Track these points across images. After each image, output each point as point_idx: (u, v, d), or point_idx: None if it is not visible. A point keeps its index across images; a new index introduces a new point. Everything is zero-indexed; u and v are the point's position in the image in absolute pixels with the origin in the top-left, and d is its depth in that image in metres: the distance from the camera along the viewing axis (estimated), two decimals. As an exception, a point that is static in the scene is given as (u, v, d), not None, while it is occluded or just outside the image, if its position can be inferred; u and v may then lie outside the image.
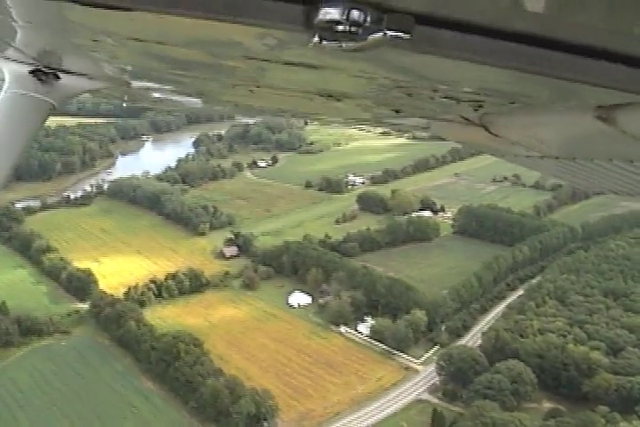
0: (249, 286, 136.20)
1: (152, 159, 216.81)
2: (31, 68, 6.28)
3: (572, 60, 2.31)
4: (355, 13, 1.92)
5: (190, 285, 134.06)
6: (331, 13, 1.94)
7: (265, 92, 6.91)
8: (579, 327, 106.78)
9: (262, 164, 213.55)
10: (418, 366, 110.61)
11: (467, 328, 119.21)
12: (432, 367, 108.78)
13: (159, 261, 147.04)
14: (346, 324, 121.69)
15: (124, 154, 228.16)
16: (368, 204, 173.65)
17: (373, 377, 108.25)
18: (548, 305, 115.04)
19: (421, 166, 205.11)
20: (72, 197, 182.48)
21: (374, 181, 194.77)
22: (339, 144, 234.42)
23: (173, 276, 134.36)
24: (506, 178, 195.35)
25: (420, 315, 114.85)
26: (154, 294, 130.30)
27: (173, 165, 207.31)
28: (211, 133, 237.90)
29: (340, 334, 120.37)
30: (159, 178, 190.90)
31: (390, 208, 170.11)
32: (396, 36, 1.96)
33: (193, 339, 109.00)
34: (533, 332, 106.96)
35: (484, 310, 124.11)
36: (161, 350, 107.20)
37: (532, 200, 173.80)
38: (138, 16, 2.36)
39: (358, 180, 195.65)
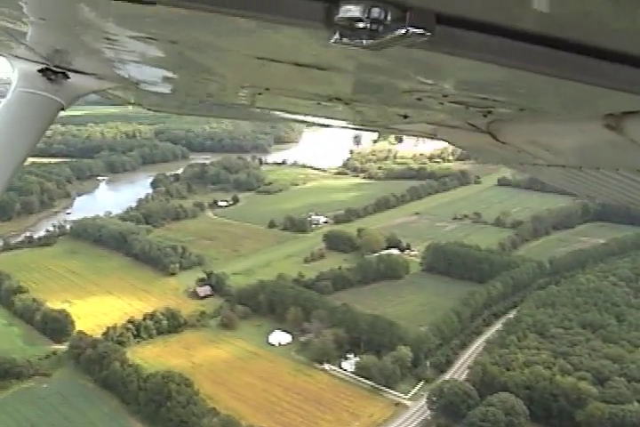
0: (227, 325, 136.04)
1: (110, 199, 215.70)
2: (41, 66, 6.35)
3: (587, 62, 2.33)
4: (375, 11, 1.92)
5: (168, 325, 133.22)
6: (352, 10, 1.93)
7: (273, 95, 7.09)
8: (563, 359, 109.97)
9: (223, 204, 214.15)
10: (407, 402, 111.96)
11: (449, 363, 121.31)
12: (421, 402, 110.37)
13: (132, 302, 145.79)
14: (329, 361, 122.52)
15: (81, 194, 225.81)
16: (335, 242, 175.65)
17: (365, 413, 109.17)
18: (530, 339, 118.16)
19: (382, 205, 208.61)
20: (35, 237, 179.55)
21: (337, 220, 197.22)
22: (296, 184, 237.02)
23: (151, 316, 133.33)
24: (466, 216, 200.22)
25: (405, 351, 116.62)
26: (132, 334, 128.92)
27: (133, 205, 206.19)
28: (168, 173, 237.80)
29: (325, 371, 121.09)
30: (122, 218, 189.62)
31: (358, 247, 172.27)
32: (418, 34, 1.97)
33: (183, 379, 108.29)
34: (519, 365, 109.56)
35: (464, 345, 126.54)
36: (150, 391, 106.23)
37: (494, 237, 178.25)
38: (157, 10, 2.39)
39: (322, 219, 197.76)
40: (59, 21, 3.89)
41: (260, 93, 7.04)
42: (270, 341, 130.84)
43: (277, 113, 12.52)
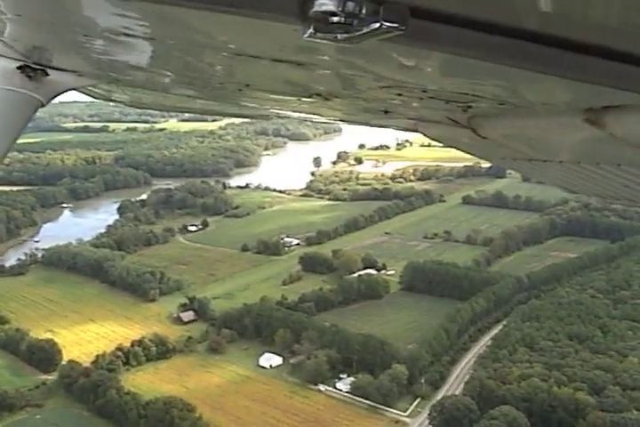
0: (216, 349, 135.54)
1: (76, 226, 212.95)
2: (19, 63, 6.30)
3: (566, 56, 2.34)
4: (350, 5, 1.90)
5: (157, 351, 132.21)
6: (326, 4, 1.91)
7: (253, 91, 7.17)
8: (557, 371, 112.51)
9: (193, 228, 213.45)
10: (406, 419, 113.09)
11: (443, 379, 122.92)
12: (421, 419, 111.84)
13: (116, 329, 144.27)
14: (323, 382, 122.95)
15: (45, 221, 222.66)
16: (311, 264, 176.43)
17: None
18: (520, 352, 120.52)
19: (352, 226, 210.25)
20: (7, 265, 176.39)
21: (309, 242, 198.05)
22: (263, 207, 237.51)
23: (139, 342, 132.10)
24: (436, 234, 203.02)
25: (401, 369, 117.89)
26: (122, 361, 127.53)
27: (101, 231, 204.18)
28: (133, 199, 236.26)
29: (320, 392, 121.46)
30: (94, 245, 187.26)
31: (335, 268, 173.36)
32: (392, 28, 1.94)
33: (185, 404, 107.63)
34: (515, 378, 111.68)
35: (454, 361, 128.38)
36: (152, 418, 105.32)
37: (467, 255, 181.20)
38: (134, 6, 2.41)
39: (294, 241, 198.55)
40: (36, 18, 3.95)
41: (240, 90, 7.24)
42: (261, 363, 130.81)
43: (261, 109, 12.59)
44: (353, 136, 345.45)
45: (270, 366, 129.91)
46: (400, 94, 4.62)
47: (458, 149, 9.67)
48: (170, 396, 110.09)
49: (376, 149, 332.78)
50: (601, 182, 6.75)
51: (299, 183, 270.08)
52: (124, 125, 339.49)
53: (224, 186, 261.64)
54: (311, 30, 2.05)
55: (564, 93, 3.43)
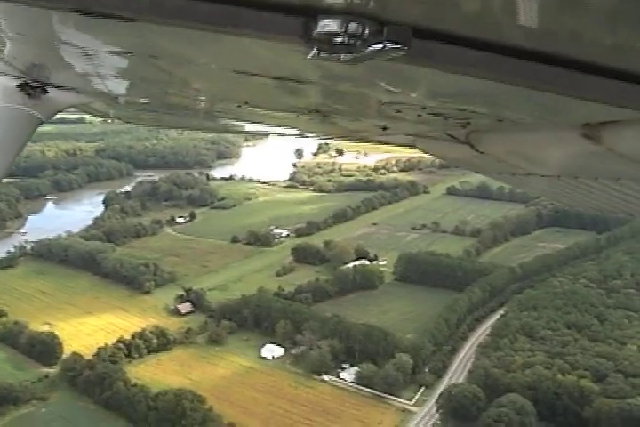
0: (216, 341, 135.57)
1: (62, 218, 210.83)
2: (19, 81, 6.34)
3: (565, 74, 2.35)
4: (353, 26, 1.93)
5: (158, 343, 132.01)
6: (329, 25, 1.95)
7: (253, 107, 7.22)
8: (559, 359, 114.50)
9: (181, 220, 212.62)
10: (412, 408, 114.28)
11: (445, 368, 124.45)
12: (427, 408, 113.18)
13: (113, 321, 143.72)
14: (327, 372, 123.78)
15: (31, 214, 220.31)
16: (303, 255, 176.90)
17: (374, 421, 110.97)
18: (521, 341, 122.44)
19: (340, 217, 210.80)
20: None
21: (299, 233, 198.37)
22: (249, 198, 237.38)
23: (140, 334, 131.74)
24: (424, 225, 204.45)
25: (405, 358, 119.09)
26: (124, 354, 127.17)
27: (88, 223, 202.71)
28: (118, 191, 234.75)
29: (324, 382, 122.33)
30: (84, 237, 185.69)
31: (327, 259, 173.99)
32: (394, 49, 1.99)
33: (196, 396, 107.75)
34: (518, 366, 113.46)
35: (454, 350, 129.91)
36: (162, 410, 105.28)
37: (456, 245, 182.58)
38: (138, 27, 2.42)
39: (283, 232, 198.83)
40: (37, 37, 3.98)
41: (239, 106, 7.27)
42: (263, 354, 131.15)
43: (256, 126, 12.64)
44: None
45: (272, 356, 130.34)
46: (399, 111, 4.67)
47: (456, 164, 10.33)
48: (179, 388, 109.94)
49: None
50: (599, 197, 6.84)
51: (282, 175, 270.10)
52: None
53: (207, 177, 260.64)
54: (315, 51, 2.08)
55: (562, 109, 3.43)
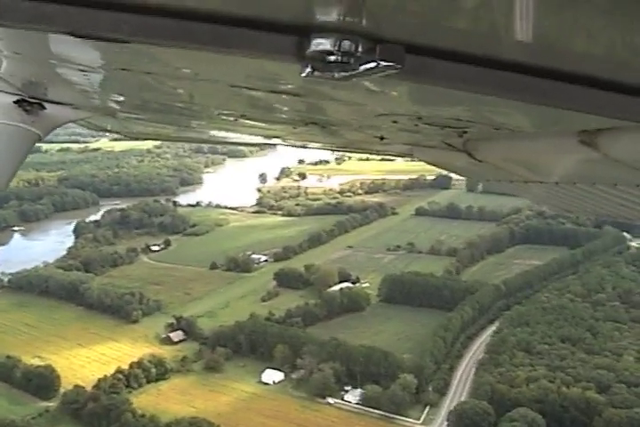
0: (214, 368, 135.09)
1: (33, 249, 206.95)
2: (16, 98, 6.34)
3: (559, 87, 2.35)
4: (346, 44, 1.95)
5: (156, 372, 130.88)
6: (323, 44, 1.96)
7: (250, 120, 7.22)
8: (561, 372, 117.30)
9: (156, 248, 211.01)
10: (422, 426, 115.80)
11: (447, 386, 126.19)
12: (435, 425, 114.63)
13: (106, 352, 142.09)
14: (331, 395, 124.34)
15: (0, 245, 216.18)
16: (286, 280, 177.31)
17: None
18: (519, 356, 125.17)
19: (315, 241, 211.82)
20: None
21: (277, 257, 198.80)
22: (220, 225, 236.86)
23: (138, 364, 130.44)
24: (399, 246, 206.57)
25: (409, 378, 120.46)
26: (124, 384, 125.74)
27: (62, 253, 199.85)
28: (88, 220, 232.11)
29: (329, 404, 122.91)
30: (61, 268, 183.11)
31: (311, 283, 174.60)
32: (388, 66, 2.01)
33: (210, 424, 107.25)
34: (522, 381, 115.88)
35: (453, 368, 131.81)
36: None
37: (435, 265, 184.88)
38: (131, 48, 2.40)
39: (262, 258, 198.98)
40: (33, 55, 4.01)
41: (236, 120, 7.33)
42: (263, 379, 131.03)
43: (254, 138, 12.79)
44: (287, 152, 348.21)
45: (273, 381, 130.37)
46: (395, 122, 4.74)
47: (454, 172, 10.21)
48: (193, 416, 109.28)
49: (316, 163, 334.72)
50: (597, 202, 6.90)
51: (248, 200, 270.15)
52: (57, 146, 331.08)
53: (175, 204, 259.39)
54: (309, 69, 2.12)
55: (559, 118, 3.52)
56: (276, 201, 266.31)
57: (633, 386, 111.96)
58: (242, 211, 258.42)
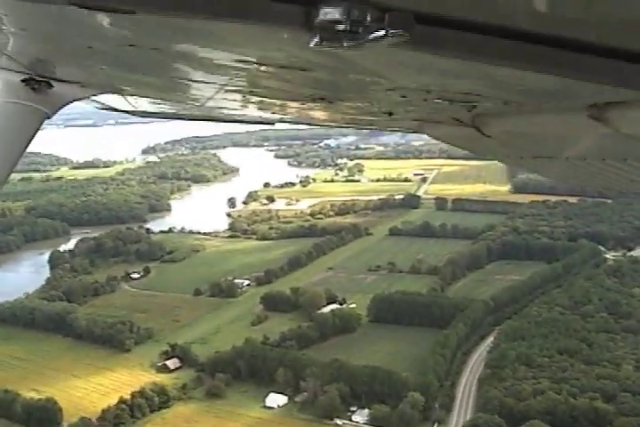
0: (216, 394, 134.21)
1: (8, 281, 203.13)
2: (23, 76, 6.28)
3: (569, 56, 2.35)
4: (355, 13, 1.94)
5: (158, 400, 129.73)
6: (331, 13, 1.95)
7: (258, 97, 7.21)
8: (565, 383, 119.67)
9: (136, 276, 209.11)
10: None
11: (452, 402, 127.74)
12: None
13: (103, 382, 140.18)
14: (338, 416, 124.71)
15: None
16: (274, 304, 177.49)
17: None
18: (521, 370, 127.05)
19: (295, 264, 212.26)
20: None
21: (259, 281, 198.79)
22: (197, 250, 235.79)
23: (141, 393, 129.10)
24: (380, 266, 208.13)
25: (417, 396, 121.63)
26: (128, 414, 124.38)
27: (40, 284, 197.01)
28: (62, 250, 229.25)
29: (338, 425, 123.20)
30: (44, 298, 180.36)
31: (299, 305, 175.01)
32: (397, 35, 1.99)
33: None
34: (529, 394, 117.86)
35: (454, 385, 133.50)
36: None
37: (417, 284, 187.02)
38: (138, 19, 2.40)
39: (245, 282, 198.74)
40: (40, 32, 4.05)
41: (244, 96, 7.36)
42: (267, 404, 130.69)
43: (265, 114, 12.93)
44: (251, 176, 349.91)
45: (277, 405, 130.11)
46: (404, 96, 4.78)
47: (463, 148, 10.09)
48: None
49: (282, 186, 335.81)
50: (607, 177, 6.97)
51: (220, 225, 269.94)
52: (18, 175, 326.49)
53: (148, 231, 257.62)
54: (317, 39, 2.14)
55: (568, 91, 3.51)
56: (249, 225, 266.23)
57: (638, 394, 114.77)
58: (215, 236, 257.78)
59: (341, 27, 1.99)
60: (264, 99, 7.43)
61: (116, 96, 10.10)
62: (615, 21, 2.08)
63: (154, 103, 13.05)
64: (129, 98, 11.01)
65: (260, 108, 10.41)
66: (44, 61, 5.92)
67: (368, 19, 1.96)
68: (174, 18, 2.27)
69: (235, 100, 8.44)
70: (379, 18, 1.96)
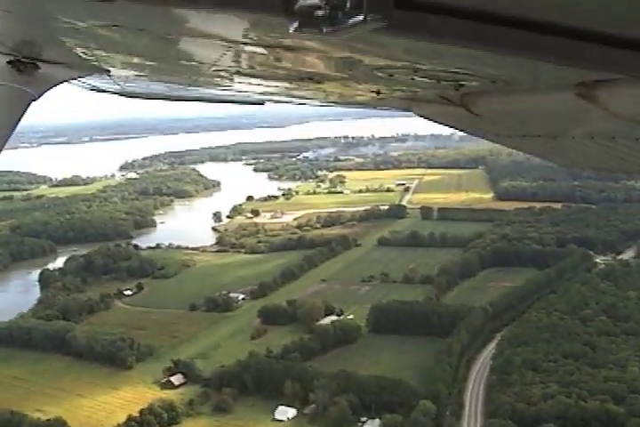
0: (224, 409, 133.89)
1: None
2: (9, 58, 6.24)
3: (552, 41, 2.33)
4: None
5: (167, 416, 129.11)
6: None
7: (245, 76, 7.21)
8: (574, 387, 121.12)
9: (128, 292, 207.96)
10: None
11: (461, 409, 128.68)
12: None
13: (108, 400, 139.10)
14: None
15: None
16: (271, 317, 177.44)
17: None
18: (529, 375, 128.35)
19: (288, 276, 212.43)
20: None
21: (254, 295, 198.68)
22: (187, 265, 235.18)
23: (150, 410, 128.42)
24: (372, 277, 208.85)
25: (428, 404, 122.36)
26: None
27: (33, 303, 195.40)
28: (51, 268, 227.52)
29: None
30: (39, 317, 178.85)
31: (297, 317, 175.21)
32: (376, 20, 1.95)
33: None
34: (539, 398, 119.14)
35: (461, 392, 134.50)
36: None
37: (412, 293, 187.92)
38: (120, 5, 2.38)
39: (240, 296, 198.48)
40: (25, 13, 4.05)
41: (231, 76, 7.27)
42: (277, 417, 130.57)
43: (253, 94, 12.76)
44: (232, 190, 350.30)
45: (287, 418, 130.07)
46: (392, 75, 4.76)
47: (451, 127, 10.08)
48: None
49: (265, 200, 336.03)
50: (596, 156, 6.92)
51: (207, 239, 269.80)
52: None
53: (136, 247, 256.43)
54: (296, 25, 2.16)
55: (555, 70, 3.48)
56: (237, 239, 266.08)
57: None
58: (204, 251, 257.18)
59: (320, 12, 1.98)
60: (251, 79, 7.45)
61: (103, 77, 10.10)
62: (599, 6, 2.03)
63: (142, 85, 12.97)
64: (117, 79, 11.05)
65: (248, 88, 10.32)
66: (30, 43, 5.89)
67: (347, 4, 1.93)
68: (153, 6, 2.27)
69: (222, 80, 8.42)
70: (358, 3, 1.93)
